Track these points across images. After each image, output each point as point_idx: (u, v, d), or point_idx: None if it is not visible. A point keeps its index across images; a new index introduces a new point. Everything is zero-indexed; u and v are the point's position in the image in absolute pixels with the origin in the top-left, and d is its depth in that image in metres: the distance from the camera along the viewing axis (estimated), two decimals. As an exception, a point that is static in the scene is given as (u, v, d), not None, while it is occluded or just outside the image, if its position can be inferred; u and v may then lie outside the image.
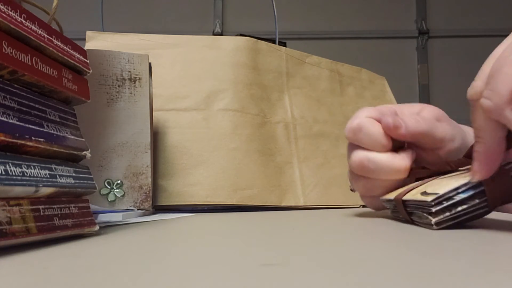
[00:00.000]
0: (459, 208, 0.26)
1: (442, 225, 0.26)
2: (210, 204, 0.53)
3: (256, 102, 0.60)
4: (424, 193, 0.28)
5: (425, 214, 0.27)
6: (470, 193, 0.26)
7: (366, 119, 0.36)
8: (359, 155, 0.36)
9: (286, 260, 0.17)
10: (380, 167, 0.35)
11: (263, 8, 1.81)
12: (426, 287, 0.12)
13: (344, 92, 0.71)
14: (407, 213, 0.30)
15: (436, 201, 0.26)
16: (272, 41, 0.69)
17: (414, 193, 0.30)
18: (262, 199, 0.55)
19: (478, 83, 0.26)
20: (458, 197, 0.26)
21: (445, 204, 0.26)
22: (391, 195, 0.34)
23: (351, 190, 0.41)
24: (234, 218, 0.40)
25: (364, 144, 0.36)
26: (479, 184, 0.26)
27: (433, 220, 0.26)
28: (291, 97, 0.64)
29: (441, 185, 0.28)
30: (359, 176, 0.37)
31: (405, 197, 0.30)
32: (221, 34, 2.24)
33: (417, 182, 0.33)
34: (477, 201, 0.26)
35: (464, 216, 0.26)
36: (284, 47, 0.67)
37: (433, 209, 0.26)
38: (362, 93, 0.74)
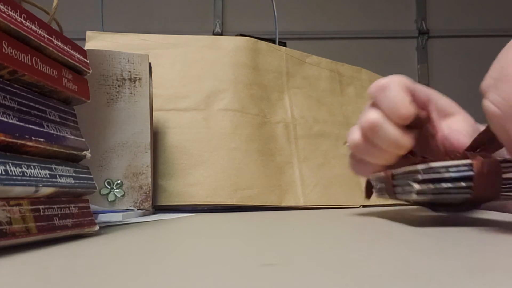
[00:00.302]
0: (444, 185, 0.26)
1: (423, 196, 0.26)
2: (210, 204, 0.53)
3: (256, 102, 0.60)
4: (415, 165, 0.28)
5: (409, 182, 0.27)
6: (459, 174, 0.25)
7: (397, 82, 0.34)
8: (375, 116, 0.34)
9: (286, 260, 0.17)
10: (387, 138, 0.33)
11: (263, 8, 1.81)
12: (426, 287, 0.12)
13: (344, 92, 0.71)
14: (392, 186, 0.30)
15: (426, 171, 0.26)
16: (272, 41, 0.69)
17: (406, 167, 0.29)
18: (262, 199, 0.55)
19: (489, 80, 0.25)
20: (446, 174, 0.26)
21: (433, 176, 0.26)
22: (382, 173, 0.34)
23: (345, 143, 0.39)
24: (234, 218, 0.40)
25: (383, 106, 0.34)
26: (469, 169, 0.25)
27: (416, 187, 0.26)
28: (291, 97, 0.64)
29: (435, 162, 0.27)
30: (363, 134, 0.35)
31: (395, 171, 0.30)
32: (221, 34, 2.24)
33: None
34: (462, 184, 0.25)
35: (444, 195, 0.26)
36: (284, 47, 0.67)
37: (420, 177, 0.26)
38: (362, 93, 0.74)
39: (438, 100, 0.37)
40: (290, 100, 0.64)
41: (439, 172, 0.26)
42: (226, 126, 0.56)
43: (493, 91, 0.24)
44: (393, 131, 0.33)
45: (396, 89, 0.33)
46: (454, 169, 0.26)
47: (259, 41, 0.63)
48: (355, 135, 0.37)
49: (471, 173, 0.25)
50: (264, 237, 0.26)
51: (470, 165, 0.25)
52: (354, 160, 0.38)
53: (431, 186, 0.26)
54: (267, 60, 0.63)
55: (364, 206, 0.62)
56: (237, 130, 0.57)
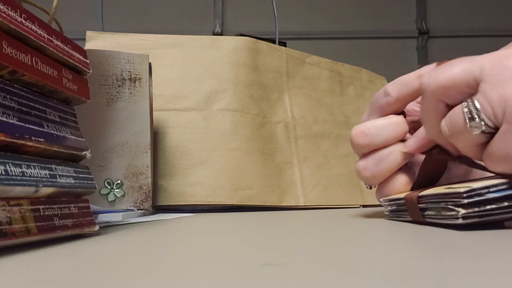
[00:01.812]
0: (488, 207, 0.26)
1: (469, 220, 0.26)
2: (210, 204, 0.53)
3: (256, 102, 0.60)
4: (450, 188, 0.28)
5: (450, 207, 0.27)
6: (501, 194, 0.26)
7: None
8: (357, 128, 0.36)
9: (286, 260, 0.17)
10: (381, 129, 0.35)
11: (263, 8, 1.81)
12: (426, 287, 0.12)
13: (344, 92, 0.71)
14: (419, 209, 0.30)
15: (469, 193, 0.26)
16: (272, 41, 0.69)
17: (435, 189, 0.29)
18: (262, 199, 0.55)
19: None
20: (489, 195, 0.26)
21: (476, 198, 0.26)
22: (397, 195, 0.34)
23: (368, 187, 0.40)
24: (234, 218, 0.40)
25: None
26: (509, 187, 0.26)
27: (462, 212, 0.26)
28: (291, 97, 0.64)
29: (467, 183, 0.27)
30: (366, 154, 0.36)
31: (422, 193, 0.30)
32: (221, 34, 2.24)
33: (425, 188, 0.33)
34: (505, 204, 0.26)
35: (489, 217, 0.26)
36: (284, 47, 0.67)
37: (466, 201, 0.26)
38: (362, 93, 0.74)
39: None
40: (290, 100, 0.64)
41: (481, 194, 0.26)
42: (226, 126, 0.56)
43: (427, 73, 0.29)
44: (380, 120, 0.36)
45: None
46: (494, 188, 0.26)
47: (259, 41, 0.63)
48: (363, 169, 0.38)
49: (509, 191, 0.26)
50: (264, 237, 0.26)
51: (509, 183, 0.26)
52: (383, 187, 0.38)
53: (476, 209, 0.26)
54: (267, 60, 0.63)
55: (364, 206, 0.62)
56: (237, 130, 0.57)
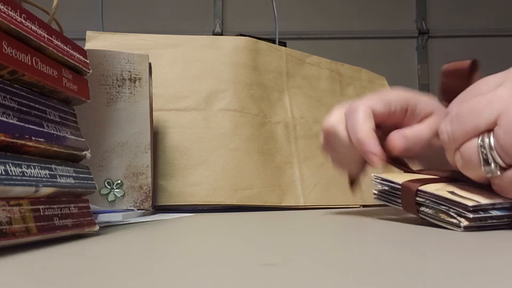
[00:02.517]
0: (489, 221, 0.27)
1: (468, 230, 0.27)
2: (210, 204, 0.53)
3: (256, 102, 0.60)
4: (454, 194, 0.28)
5: (452, 213, 0.27)
6: (504, 213, 0.27)
7: (365, 106, 0.37)
8: (331, 120, 0.39)
9: (286, 260, 0.17)
10: (341, 142, 0.37)
11: (263, 8, 1.81)
12: (426, 287, 0.12)
13: (344, 92, 0.71)
14: (415, 202, 0.30)
15: (476, 208, 0.27)
16: (272, 41, 0.69)
17: (437, 189, 0.30)
18: (262, 199, 0.55)
19: (452, 107, 0.30)
20: (493, 212, 0.27)
21: (481, 214, 0.27)
22: (394, 177, 0.33)
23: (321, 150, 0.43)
24: (234, 218, 0.40)
25: (348, 124, 0.37)
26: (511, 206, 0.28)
27: (465, 223, 0.26)
28: (291, 97, 0.64)
29: (474, 195, 0.28)
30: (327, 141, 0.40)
31: (423, 188, 0.30)
32: (221, 34, 2.24)
33: (423, 177, 0.33)
34: (505, 220, 0.27)
35: (488, 227, 0.27)
36: (284, 47, 0.67)
37: (471, 215, 0.26)
38: (362, 93, 0.74)
39: (416, 106, 0.38)
40: (290, 100, 0.64)
41: (487, 210, 0.27)
42: (226, 126, 0.56)
43: (447, 121, 0.29)
44: (345, 135, 0.36)
45: (361, 113, 0.36)
46: (499, 206, 0.27)
47: (259, 41, 0.63)
48: (321, 137, 0.41)
49: None
50: (264, 237, 0.26)
51: None
52: (336, 160, 0.42)
53: (478, 222, 0.27)
54: (267, 60, 0.63)
55: (364, 206, 0.62)
56: (237, 130, 0.57)
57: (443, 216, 0.28)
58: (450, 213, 0.27)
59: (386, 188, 0.34)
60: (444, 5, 2.31)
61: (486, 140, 0.27)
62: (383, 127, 0.38)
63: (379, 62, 2.08)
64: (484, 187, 0.29)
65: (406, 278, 0.13)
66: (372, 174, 0.35)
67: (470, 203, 0.26)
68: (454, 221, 0.27)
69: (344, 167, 0.41)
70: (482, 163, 0.27)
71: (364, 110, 0.36)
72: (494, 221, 0.27)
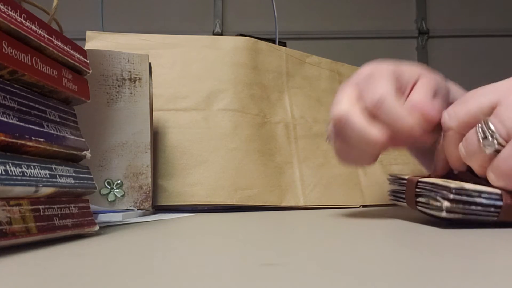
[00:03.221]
0: (473, 207, 0.27)
1: (452, 215, 0.27)
2: (210, 204, 0.53)
3: (256, 102, 0.60)
4: (445, 181, 0.28)
5: (438, 197, 0.28)
6: (490, 202, 0.27)
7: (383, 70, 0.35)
8: (341, 109, 0.34)
9: (286, 260, 0.17)
10: (355, 133, 0.33)
11: (263, 8, 1.81)
12: (426, 287, 0.12)
13: (344, 92, 0.71)
14: (414, 195, 0.31)
15: (458, 191, 0.27)
16: (272, 41, 0.69)
17: (435, 179, 0.30)
18: (262, 199, 0.55)
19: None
20: (478, 200, 0.27)
21: (464, 198, 0.27)
22: (404, 175, 0.34)
23: (327, 141, 0.39)
24: (234, 218, 0.40)
25: (367, 97, 0.33)
26: (500, 198, 0.27)
27: (446, 204, 0.27)
28: (291, 97, 0.64)
29: (465, 184, 0.28)
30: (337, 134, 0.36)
31: (422, 179, 0.31)
32: (221, 34, 2.24)
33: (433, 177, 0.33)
34: (492, 209, 0.27)
35: (472, 216, 0.27)
36: (284, 47, 0.67)
37: (451, 196, 0.26)
38: (362, 93, 0.74)
39: (404, 74, 0.37)
40: (290, 100, 0.64)
41: (471, 196, 0.27)
42: (226, 126, 0.56)
43: (451, 107, 0.30)
44: (362, 123, 0.32)
45: (383, 79, 0.34)
46: (486, 195, 0.27)
47: (259, 41, 0.63)
48: (329, 128, 0.37)
49: (500, 202, 0.27)
50: (264, 237, 0.26)
51: (500, 195, 0.27)
52: (341, 155, 0.38)
53: (460, 206, 0.27)
54: (267, 60, 0.63)
55: (364, 206, 0.62)
56: (237, 130, 0.57)
57: (432, 202, 0.28)
58: (437, 197, 0.28)
59: (396, 186, 0.34)
60: (444, 5, 2.31)
61: (484, 123, 0.28)
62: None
63: (379, 62, 2.08)
64: (483, 183, 0.29)
65: (406, 278, 0.13)
66: (389, 174, 0.36)
67: (453, 185, 0.27)
68: (438, 204, 0.27)
69: (352, 160, 0.38)
70: (481, 139, 0.28)
71: (386, 82, 0.33)
72: (479, 208, 0.27)
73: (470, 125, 0.29)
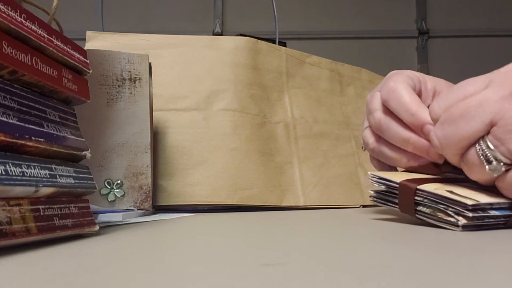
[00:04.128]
0: (486, 220, 0.27)
1: (466, 229, 0.27)
2: (210, 204, 0.53)
3: (256, 102, 0.60)
4: (453, 193, 0.28)
5: (450, 212, 0.27)
6: (502, 213, 0.28)
7: (403, 84, 0.36)
8: (379, 115, 0.37)
9: (286, 260, 0.17)
10: (395, 133, 0.35)
11: (263, 8, 1.81)
12: (426, 287, 0.12)
13: (344, 92, 0.71)
14: (414, 202, 0.30)
15: (475, 207, 0.27)
16: (272, 41, 0.69)
17: (436, 188, 0.30)
18: (262, 199, 0.55)
19: (438, 111, 0.30)
20: (491, 212, 0.27)
21: (480, 213, 0.27)
22: (391, 176, 0.33)
23: (362, 148, 0.41)
24: (234, 218, 0.40)
25: (394, 108, 0.35)
26: (509, 207, 0.28)
27: (463, 222, 0.27)
28: (291, 97, 0.64)
29: (473, 194, 0.28)
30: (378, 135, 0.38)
31: (421, 187, 0.30)
32: (221, 34, 2.24)
33: (420, 176, 0.33)
34: (502, 219, 0.28)
35: (484, 226, 0.27)
36: (284, 47, 0.67)
37: (470, 214, 0.26)
38: (362, 93, 0.74)
39: (427, 82, 0.38)
40: (290, 100, 0.64)
41: (485, 210, 0.27)
42: (226, 126, 0.56)
43: (438, 127, 0.29)
44: (398, 127, 0.35)
45: (404, 91, 0.35)
46: (497, 206, 0.28)
47: (259, 41, 0.63)
48: (368, 137, 0.39)
49: (509, 212, 0.28)
50: (264, 237, 0.26)
51: (510, 203, 0.28)
52: (378, 164, 0.40)
53: (475, 221, 0.27)
54: (267, 60, 0.63)
55: (364, 206, 0.62)
56: (237, 130, 0.57)
57: (441, 215, 0.28)
58: (449, 212, 0.28)
59: (383, 187, 0.33)
60: (444, 5, 2.31)
61: (483, 144, 0.27)
62: None
63: (379, 62, 2.08)
64: (482, 187, 0.29)
65: (406, 278, 0.13)
66: (369, 173, 0.35)
67: (469, 202, 0.27)
68: (452, 219, 0.27)
69: (404, 160, 0.37)
70: (485, 163, 0.27)
71: (404, 87, 0.35)
72: (491, 220, 0.27)
73: (465, 147, 0.28)
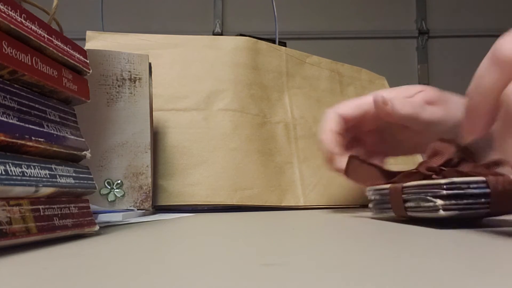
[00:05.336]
0: (465, 201, 0.26)
1: (449, 212, 0.26)
2: (210, 204, 0.53)
3: (256, 102, 0.60)
4: (432, 179, 0.28)
5: (430, 197, 0.27)
6: (479, 191, 0.26)
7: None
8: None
9: (286, 260, 0.17)
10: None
11: (263, 8, 1.81)
12: (425, 287, 0.12)
13: (344, 92, 0.71)
14: (402, 201, 0.30)
15: (450, 185, 0.26)
16: (272, 41, 0.69)
17: (420, 181, 0.30)
18: (262, 199, 0.55)
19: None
20: (468, 191, 0.26)
21: (456, 191, 0.26)
22: (384, 185, 0.34)
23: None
24: (234, 218, 0.40)
25: None
26: (487, 186, 0.26)
27: (442, 202, 0.26)
28: (291, 97, 0.64)
29: (454, 178, 0.28)
30: None
31: (406, 184, 0.30)
32: (221, 34, 2.24)
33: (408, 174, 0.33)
34: (482, 200, 0.26)
35: (468, 210, 0.26)
36: (284, 47, 0.67)
37: (445, 192, 0.26)
38: (362, 93, 0.74)
39: (398, 91, 0.46)
40: (290, 100, 0.64)
41: (461, 188, 0.26)
42: (226, 126, 0.56)
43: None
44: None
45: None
46: (475, 185, 0.26)
47: (259, 41, 0.63)
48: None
49: (488, 190, 0.26)
50: (264, 237, 0.26)
51: (486, 181, 0.26)
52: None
53: (453, 202, 0.26)
54: (267, 60, 0.63)
55: (364, 206, 0.62)
56: (237, 130, 0.57)
57: (423, 203, 0.28)
58: (428, 197, 0.27)
59: (378, 197, 0.34)
60: (444, 5, 2.31)
61: None
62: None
63: (379, 62, 2.08)
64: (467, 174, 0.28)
65: (406, 278, 0.13)
66: (367, 188, 0.36)
67: (443, 181, 0.26)
68: (431, 204, 0.27)
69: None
70: None
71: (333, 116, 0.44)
72: (471, 200, 0.26)
73: None
